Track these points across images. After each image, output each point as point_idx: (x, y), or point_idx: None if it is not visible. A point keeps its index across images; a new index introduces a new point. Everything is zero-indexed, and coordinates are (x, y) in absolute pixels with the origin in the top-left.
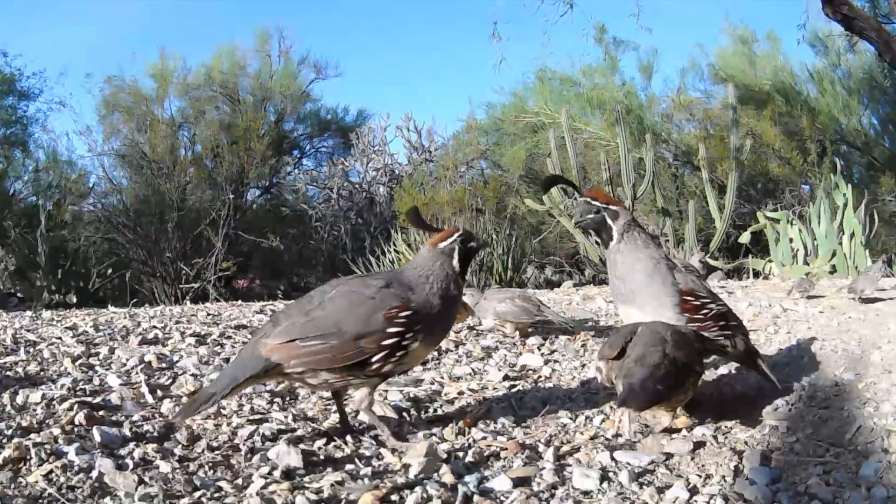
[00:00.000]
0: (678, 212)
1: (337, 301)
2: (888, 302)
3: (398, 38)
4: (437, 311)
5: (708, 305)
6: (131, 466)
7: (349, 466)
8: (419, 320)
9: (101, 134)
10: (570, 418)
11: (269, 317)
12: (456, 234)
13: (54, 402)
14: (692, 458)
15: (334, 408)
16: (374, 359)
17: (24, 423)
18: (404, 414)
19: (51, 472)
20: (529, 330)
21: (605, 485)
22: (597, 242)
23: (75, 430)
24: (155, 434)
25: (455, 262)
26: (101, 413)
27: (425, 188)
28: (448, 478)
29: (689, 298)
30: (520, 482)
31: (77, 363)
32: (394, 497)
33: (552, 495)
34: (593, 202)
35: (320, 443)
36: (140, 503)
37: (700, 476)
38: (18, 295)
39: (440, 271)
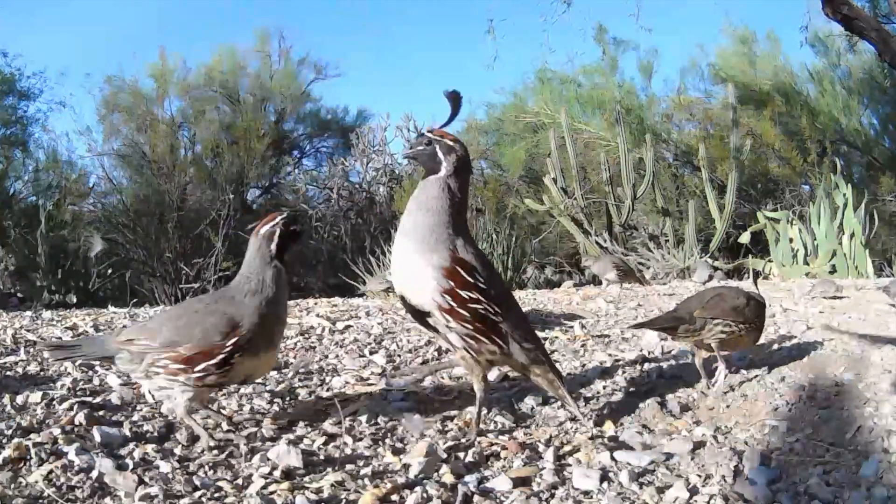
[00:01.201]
0: (678, 212)
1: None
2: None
3: (398, 38)
4: (262, 321)
5: (485, 293)
6: (131, 466)
7: (349, 466)
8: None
9: (101, 134)
10: (570, 418)
11: None
12: (279, 218)
13: (54, 402)
14: (692, 458)
15: (334, 408)
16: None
17: (24, 423)
18: (404, 414)
19: (51, 472)
20: None
21: (605, 485)
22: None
23: (75, 430)
24: (155, 434)
25: (273, 246)
26: (101, 413)
27: None
28: (448, 478)
29: (460, 270)
30: (520, 482)
31: (77, 363)
32: (394, 497)
33: (552, 495)
34: (428, 135)
35: (320, 443)
36: (140, 503)
37: (700, 476)
38: (18, 295)
39: (262, 263)
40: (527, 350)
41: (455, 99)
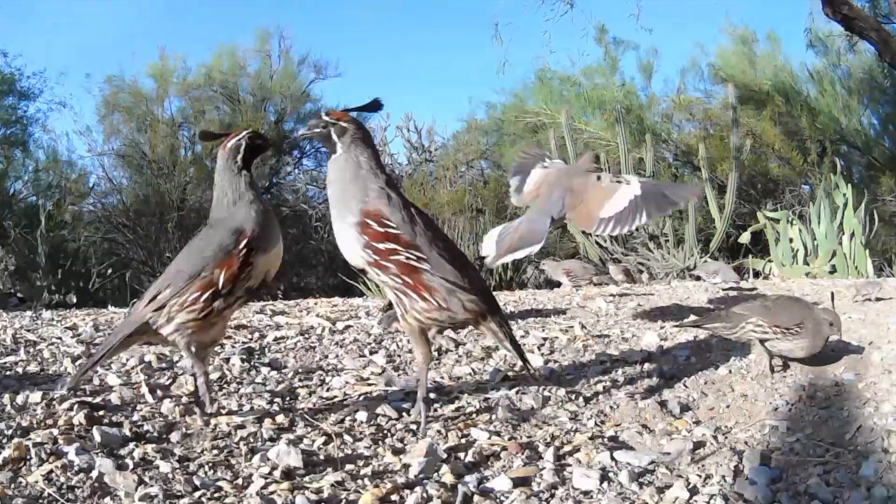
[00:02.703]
0: (678, 212)
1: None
2: (889, 302)
3: (398, 38)
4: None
5: (398, 239)
6: (131, 466)
7: (349, 466)
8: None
9: (101, 134)
10: (570, 418)
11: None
12: (244, 133)
13: (54, 402)
14: (692, 458)
15: (334, 408)
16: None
17: (24, 423)
18: (404, 413)
19: (51, 472)
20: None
21: (605, 485)
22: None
23: (75, 430)
24: (155, 434)
25: (240, 158)
26: (101, 413)
27: (425, 188)
28: (448, 478)
29: (370, 222)
30: (520, 482)
31: (77, 363)
32: (394, 497)
33: (552, 495)
34: (324, 117)
35: (320, 443)
36: (140, 503)
37: (700, 476)
38: (18, 295)
39: (231, 175)
40: (467, 300)
41: (374, 103)
